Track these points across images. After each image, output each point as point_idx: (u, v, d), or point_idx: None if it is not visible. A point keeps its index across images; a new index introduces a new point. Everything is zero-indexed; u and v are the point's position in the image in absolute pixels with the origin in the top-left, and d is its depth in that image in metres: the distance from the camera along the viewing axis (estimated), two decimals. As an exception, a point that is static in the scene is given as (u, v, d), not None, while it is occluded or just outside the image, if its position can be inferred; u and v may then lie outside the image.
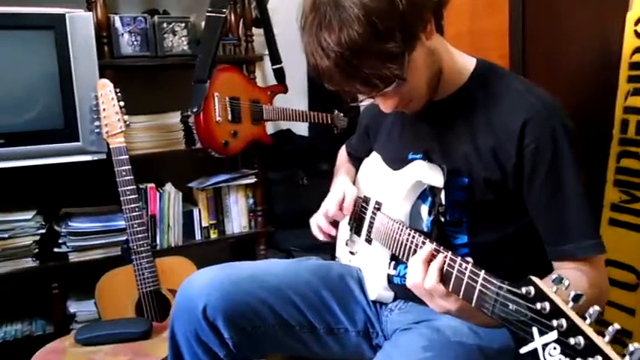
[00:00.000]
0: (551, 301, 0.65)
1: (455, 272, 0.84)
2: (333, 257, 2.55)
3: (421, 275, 0.88)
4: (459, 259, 0.85)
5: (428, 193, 1.13)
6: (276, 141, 2.43)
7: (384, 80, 0.96)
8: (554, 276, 0.68)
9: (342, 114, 2.50)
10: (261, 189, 2.43)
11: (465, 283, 0.82)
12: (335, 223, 1.33)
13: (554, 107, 1.03)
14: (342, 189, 1.31)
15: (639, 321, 1.48)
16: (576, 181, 1.02)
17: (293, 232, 2.45)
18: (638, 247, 1.50)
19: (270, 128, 2.49)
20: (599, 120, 1.58)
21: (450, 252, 0.88)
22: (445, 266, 0.87)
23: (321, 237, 1.32)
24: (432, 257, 0.89)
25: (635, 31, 1.51)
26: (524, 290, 0.69)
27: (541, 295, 0.67)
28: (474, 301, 0.79)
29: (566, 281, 0.68)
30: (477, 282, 0.79)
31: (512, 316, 0.71)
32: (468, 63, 1.13)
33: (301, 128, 2.72)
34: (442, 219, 1.11)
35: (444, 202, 1.10)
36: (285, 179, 2.56)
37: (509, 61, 1.97)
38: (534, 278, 0.69)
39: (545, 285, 0.68)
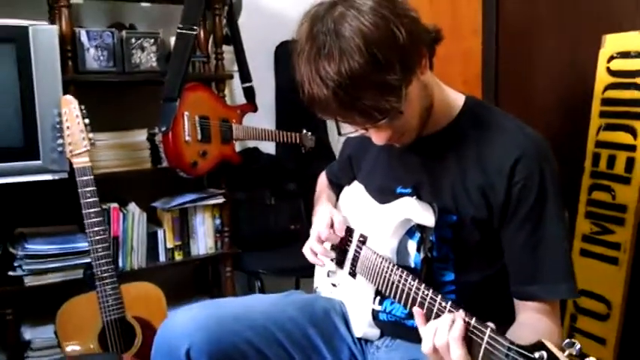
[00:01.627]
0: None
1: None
2: (297, 283, 2.54)
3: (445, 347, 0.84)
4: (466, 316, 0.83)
5: (416, 229, 1.12)
6: (243, 160, 2.39)
7: (381, 112, 0.95)
8: (567, 340, 0.68)
9: (309, 133, 2.48)
10: (228, 209, 2.37)
11: (469, 338, 0.80)
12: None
13: (546, 149, 1.05)
14: (328, 214, 1.29)
15: (610, 350, 1.52)
16: (557, 223, 1.03)
17: (260, 254, 2.40)
18: (608, 277, 1.54)
19: (237, 146, 2.44)
20: (572, 152, 1.62)
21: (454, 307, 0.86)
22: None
23: (318, 263, 1.28)
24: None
25: (608, 68, 1.57)
26: (537, 355, 0.68)
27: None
28: (478, 357, 0.78)
29: (578, 345, 0.67)
30: (482, 339, 0.78)
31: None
32: (457, 98, 1.14)
33: (268, 147, 2.69)
34: (430, 255, 1.10)
35: (432, 239, 1.09)
36: (251, 199, 2.51)
37: (481, 86, 2.01)
38: (546, 342, 0.69)
39: (557, 349, 0.68)
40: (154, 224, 2.26)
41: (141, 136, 2.18)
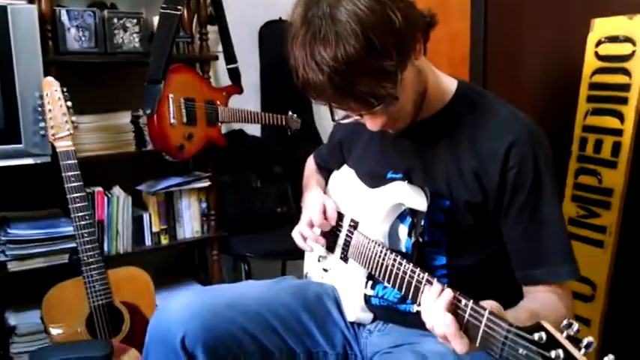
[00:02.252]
0: (565, 350, 0.65)
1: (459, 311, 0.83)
2: (284, 266, 2.54)
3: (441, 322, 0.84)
4: (462, 298, 0.83)
5: (407, 214, 1.12)
6: (229, 142, 2.36)
7: (377, 98, 0.94)
8: (565, 322, 0.69)
9: (295, 115, 2.46)
10: (215, 192, 2.35)
11: (466, 320, 0.81)
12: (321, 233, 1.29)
13: (538, 134, 1.06)
14: (319, 200, 1.28)
15: (594, 331, 1.55)
16: (555, 207, 1.04)
17: (246, 237, 2.39)
18: (594, 260, 1.57)
19: (222, 129, 2.41)
20: (559, 135, 1.63)
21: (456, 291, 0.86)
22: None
23: (306, 248, 1.28)
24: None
25: (596, 53, 1.57)
26: (536, 336, 0.68)
27: (554, 343, 0.67)
28: (478, 340, 0.78)
29: (575, 326, 0.68)
30: (480, 321, 0.78)
31: (521, 360, 0.71)
32: (450, 83, 1.13)
33: (253, 129, 2.66)
34: (421, 240, 1.11)
35: (423, 224, 1.10)
36: (237, 182, 2.49)
37: (469, 70, 2.00)
38: (545, 323, 0.69)
39: (557, 331, 0.68)
40: (139, 208, 2.24)
41: (125, 118, 2.13)
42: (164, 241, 2.26)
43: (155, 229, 2.24)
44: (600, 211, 1.56)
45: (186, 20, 2.30)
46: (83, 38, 1.99)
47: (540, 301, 1.01)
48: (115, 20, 2.03)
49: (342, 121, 1.07)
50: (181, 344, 1.05)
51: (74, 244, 1.77)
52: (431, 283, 0.91)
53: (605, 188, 1.55)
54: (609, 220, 1.54)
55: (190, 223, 2.32)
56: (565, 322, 0.69)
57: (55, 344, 1.70)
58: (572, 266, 1.03)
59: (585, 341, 0.65)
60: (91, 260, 1.73)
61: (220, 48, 2.35)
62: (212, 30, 2.34)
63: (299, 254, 1.44)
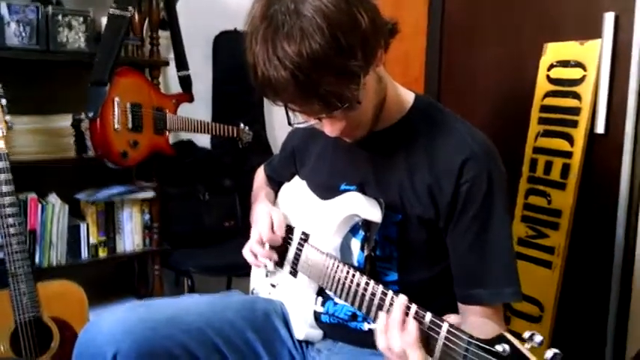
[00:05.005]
0: (529, 362, 0.62)
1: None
2: (229, 282, 2.45)
3: (397, 340, 0.81)
4: (420, 310, 0.80)
5: (360, 226, 1.09)
6: (176, 153, 2.27)
7: (340, 99, 0.90)
8: (527, 334, 0.66)
9: (247, 127, 2.40)
10: (158, 204, 2.25)
11: (425, 332, 0.77)
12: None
13: (494, 152, 1.05)
14: (267, 214, 1.23)
15: (542, 351, 1.55)
16: (504, 227, 1.03)
17: (191, 252, 2.29)
18: (542, 280, 1.57)
19: (170, 138, 2.33)
20: (510, 156, 1.64)
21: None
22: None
23: (259, 265, 1.22)
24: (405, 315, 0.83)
25: (548, 76, 1.60)
26: (499, 348, 0.65)
27: (518, 355, 0.63)
28: (437, 354, 0.74)
29: (538, 337, 0.66)
30: (438, 334, 0.75)
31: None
32: (408, 96, 1.11)
33: (203, 140, 2.58)
34: (373, 254, 1.07)
35: (376, 237, 1.06)
36: (184, 194, 2.40)
37: (423, 90, 2.01)
38: (507, 335, 0.66)
39: (519, 342, 0.66)
40: (76, 218, 2.11)
41: (65, 121, 2.02)
42: (102, 253, 2.14)
43: (93, 240, 2.11)
44: (549, 232, 1.58)
45: (137, 23, 2.21)
46: (24, 34, 1.88)
47: (481, 322, 0.99)
48: (60, 17, 1.93)
49: (298, 126, 1.02)
50: None
51: (1, 254, 1.64)
52: (386, 295, 0.87)
53: (554, 209, 1.56)
54: (557, 241, 1.56)
55: (131, 236, 2.20)
56: (529, 333, 0.66)
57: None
58: (515, 288, 1.01)
59: (551, 353, 0.62)
60: (19, 272, 1.61)
61: (172, 55, 2.27)
62: (164, 36, 2.27)
63: (246, 270, 1.38)
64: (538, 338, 0.66)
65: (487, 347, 0.67)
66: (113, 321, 1.01)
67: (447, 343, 0.74)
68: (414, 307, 0.82)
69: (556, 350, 0.63)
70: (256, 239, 1.20)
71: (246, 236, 1.26)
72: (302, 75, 0.85)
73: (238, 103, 2.58)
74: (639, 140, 1.46)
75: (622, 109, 1.47)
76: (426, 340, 0.77)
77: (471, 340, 0.70)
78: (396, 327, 0.80)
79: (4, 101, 1.66)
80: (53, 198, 2.02)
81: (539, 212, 1.60)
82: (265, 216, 1.22)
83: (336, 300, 1.12)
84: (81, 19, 1.98)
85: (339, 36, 0.85)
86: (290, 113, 0.98)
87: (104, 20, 2.00)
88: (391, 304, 0.87)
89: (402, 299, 0.84)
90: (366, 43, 0.88)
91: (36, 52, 1.92)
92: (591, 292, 1.56)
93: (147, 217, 2.23)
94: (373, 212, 1.03)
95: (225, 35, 2.61)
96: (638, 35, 1.44)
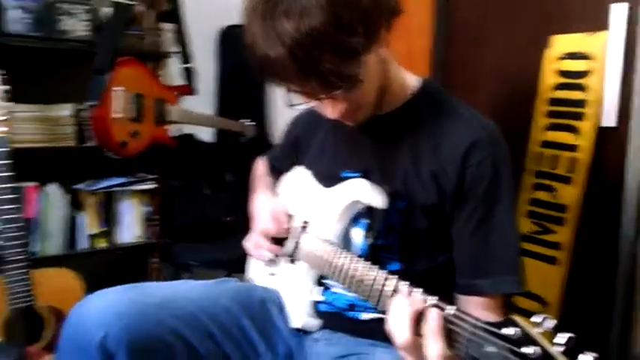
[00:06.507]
0: (542, 347, 0.59)
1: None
2: (229, 275, 2.43)
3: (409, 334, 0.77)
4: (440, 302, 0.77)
5: (363, 214, 1.06)
6: (179, 146, 2.25)
7: (341, 78, 0.88)
8: (539, 318, 0.63)
9: (252, 122, 2.39)
10: (160, 196, 2.23)
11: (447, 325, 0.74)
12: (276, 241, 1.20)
13: (499, 136, 1.03)
14: (268, 205, 1.20)
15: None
16: (508, 213, 1.00)
17: (191, 246, 2.27)
18: (545, 277, 1.54)
19: (172, 132, 2.31)
20: (516, 151, 1.61)
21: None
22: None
23: (264, 258, 1.19)
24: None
25: (554, 69, 1.57)
26: (508, 331, 0.62)
27: (528, 339, 0.60)
28: (459, 346, 0.71)
29: (550, 322, 0.63)
30: (461, 326, 0.71)
31: (487, 359, 0.64)
32: (413, 79, 1.09)
33: (205, 134, 2.56)
34: (375, 243, 1.04)
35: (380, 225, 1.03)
36: (185, 188, 2.38)
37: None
38: (517, 318, 0.63)
39: (530, 326, 0.63)
40: (76, 208, 2.09)
41: (66, 110, 2.01)
42: (101, 244, 2.12)
43: (92, 231, 2.10)
44: (554, 227, 1.54)
45: (141, 14, 2.19)
46: (27, 21, 1.86)
47: (483, 316, 0.95)
48: (62, 5, 1.92)
49: (298, 107, 1.00)
50: (100, 346, 0.92)
51: (-2, 241, 1.62)
52: (392, 282, 0.84)
53: (560, 204, 1.53)
54: (563, 237, 1.52)
55: (131, 228, 2.19)
56: (539, 318, 0.63)
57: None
58: (517, 277, 0.98)
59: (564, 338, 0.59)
60: (14, 259, 1.58)
61: (174, 48, 2.25)
62: (168, 28, 2.25)
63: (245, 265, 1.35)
64: (552, 322, 0.63)
65: (492, 329, 0.64)
66: (103, 303, 0.97)
67: (471, 337, 0.69)
68: (431, 298, 0.78)
69: (571, 334, 0.59)
70: (261, 231, 1.17)
71: (246, 231, 1.24)
72: (301, 52, 0.83)
73: (242, 100, 2.56)
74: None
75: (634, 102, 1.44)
76: (448, 332, 0.74)
77: (476, 322, 0.67)
78: (414, 318, 0.77)
79: (6, 87, 1.64)
80: (52, 187, 2.01)
81: (545, 207, 1.57)
82: (267, 208, 1.20)
83: (335, 289, 1.09)
84: (83, 7, 1.97)
85: (339, 12, 0.83)
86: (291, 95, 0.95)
87: (108, 10, 1.99)
88: (395, 291, 0.84)
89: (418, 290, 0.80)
90: (367, 19, 0.86)
91: (37, 39, 1.92)
92: (596, 288, 1.52)
93: (147, 209, 2.21)
94: (377, 198, 1.01)
95: (232, 30, 2.60)
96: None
